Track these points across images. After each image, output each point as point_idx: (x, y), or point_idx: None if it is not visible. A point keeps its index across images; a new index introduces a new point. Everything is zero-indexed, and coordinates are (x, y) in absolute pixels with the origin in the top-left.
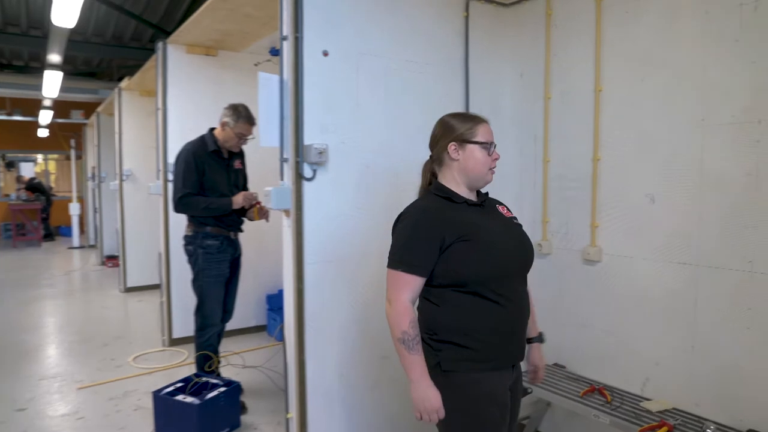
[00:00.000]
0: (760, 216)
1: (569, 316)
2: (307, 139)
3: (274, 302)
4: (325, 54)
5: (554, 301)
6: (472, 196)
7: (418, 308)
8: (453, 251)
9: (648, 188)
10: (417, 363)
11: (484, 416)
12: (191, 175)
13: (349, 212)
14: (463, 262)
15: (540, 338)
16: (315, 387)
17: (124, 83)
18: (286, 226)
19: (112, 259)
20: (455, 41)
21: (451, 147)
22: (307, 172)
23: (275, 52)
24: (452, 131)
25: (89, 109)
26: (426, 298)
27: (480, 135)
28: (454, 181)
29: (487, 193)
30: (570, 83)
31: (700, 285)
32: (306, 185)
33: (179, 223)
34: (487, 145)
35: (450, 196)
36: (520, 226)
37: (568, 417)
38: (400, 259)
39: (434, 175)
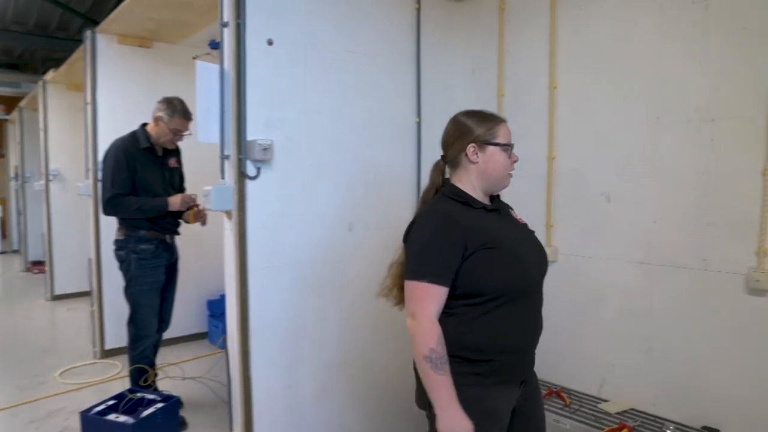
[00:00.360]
0: (714, 214)
1: None
2: (251, 135)
3: (216, 308)
4: (270, 43)
5: None
6: (486, 201)
7: None
8: (475, 260)
9: (604, 187)
10: (445, 385)
11: None
12: (121, 173)
13: (296, 213)
14: (485, 272)
15: None
16: (261, 401)
17: (49, 76)
18: (228, 228)
19: (37, 265)
20: (407, 34)
21: (471, 149)
22: (251, 170)
23: (215, 45)
24: (471, 132)
25: (10, 103)
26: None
27: (501, 136)
28: (470, 184)
29: (498, 196)
30: (524, 80)
31: (655, 284)
32: (249, 184)
33: (111, 225)
34: (508, 147)
35: (468, 201)
36: (533, 232)
37: None
38: (422, 268)
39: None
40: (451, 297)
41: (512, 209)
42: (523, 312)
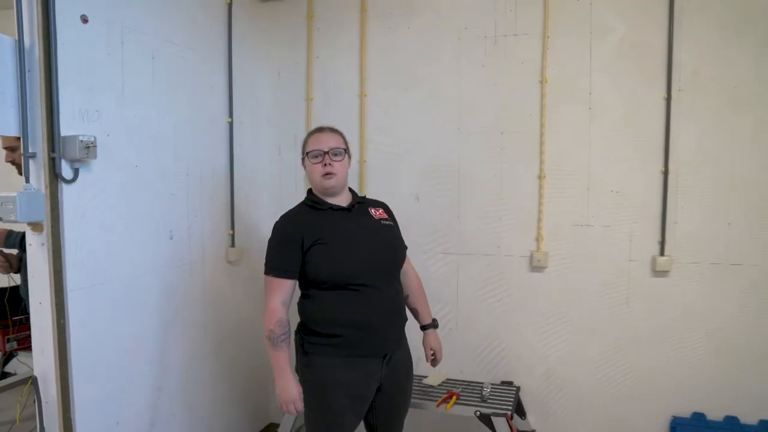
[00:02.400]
0: (504, 210)
1: None
2: (65, 129)
3: None
4: (84, 20)
5: None
6: (340, 201)
7: (298, 303)
8: (312, 253)
9: (413, 188)
10: (280, 358)
11: (331, 401)
12: None
13: (116, 222)
14: (319, 263)
15: (434, 324)
16: None
17: None
18: (38, 244)
19: None
20: (219, 29)
21: (303, 162)
22: (67, 171)
23: None
24: (302, 149)
25: None
26: (302, 294)
27: (309, 146)
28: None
29: (363, 197)
30: (334, 86)
31: (460, 270)
32: (65, 189)
33: None
34: (311, 154)
35: (314, 204)
36: (390, 227)
37: None
38: (268, 265)
39: None
40: (306, 284)
41: (380, 206)
42: (363, 295)
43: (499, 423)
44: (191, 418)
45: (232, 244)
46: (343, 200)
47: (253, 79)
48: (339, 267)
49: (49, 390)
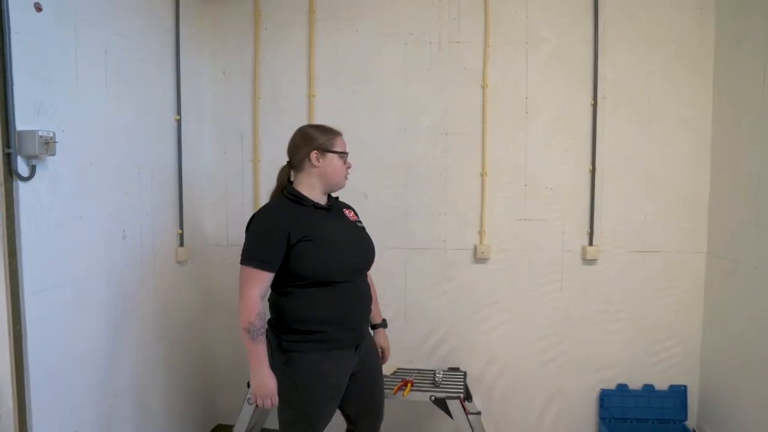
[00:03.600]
0: (449, 206)
1: None
2: (20, 123)
3: None
4: (38, 8)
5: None
6: (322, 200)
7: (270, 299)
8: (297, 249)
9: (362, 186)
10: (259, 352)
11: (313, 394)
12: None
13: (71, 221)
14: (304, 260)
15: (384, 324)
16: None
17: None
18: None
19: None
20: (167, 26)
21: (313, 154)
22: (23, 168)
23: None
24: (314, 141)
25: None
26: (277, 290)
27: (338, 145)
28: (310, 185)
29: (337, 198)
30: (281, 86)
31: (408, 264)
32: (22, 187)
33: None
34: (344, 155)
35: (299, 200)
36: (363, 229)
37: None
38: (250, 256)
39: (290, 180)
40: (286, 279)
41: (350, 209)
42: (342, 292)
43: (454, 405)
44: (145, 422)
45: (181, 244)
46: (323, 200)
47: (198, 77)
48: (327, 264)
49: (4, 402)
